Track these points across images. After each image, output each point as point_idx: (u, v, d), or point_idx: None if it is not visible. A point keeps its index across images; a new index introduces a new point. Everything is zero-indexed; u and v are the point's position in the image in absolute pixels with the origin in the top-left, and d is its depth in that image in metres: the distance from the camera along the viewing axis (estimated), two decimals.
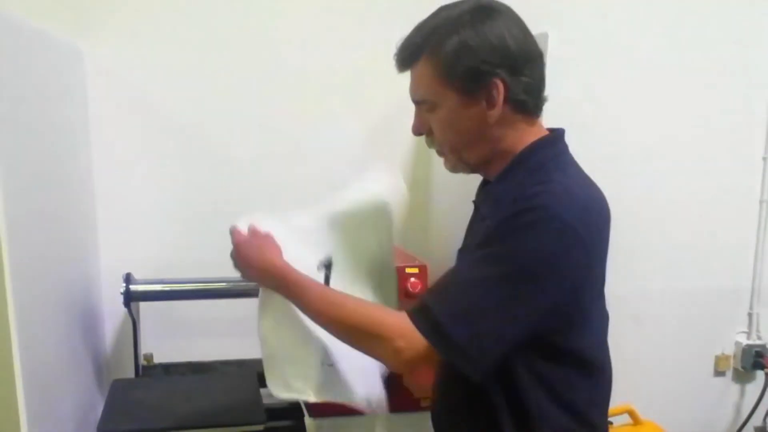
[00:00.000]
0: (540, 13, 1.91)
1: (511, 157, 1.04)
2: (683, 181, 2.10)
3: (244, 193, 1.94)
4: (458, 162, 1.09)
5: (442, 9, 1.03)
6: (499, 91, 0.99)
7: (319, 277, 1.18)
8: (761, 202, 2.17)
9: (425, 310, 0.96)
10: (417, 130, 1.09)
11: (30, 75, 1.28)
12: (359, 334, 1.00)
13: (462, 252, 1.13)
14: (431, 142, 1.09)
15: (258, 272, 1.13)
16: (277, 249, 1.13)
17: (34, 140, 1.28)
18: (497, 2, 1.03)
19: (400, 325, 0.96)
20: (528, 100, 1.01)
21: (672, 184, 2.09)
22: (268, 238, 1.15)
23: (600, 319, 1.08)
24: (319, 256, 1.21)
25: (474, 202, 1.16)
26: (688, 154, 2.09)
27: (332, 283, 1.18)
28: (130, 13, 1.79)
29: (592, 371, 1.06)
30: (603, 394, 1.10)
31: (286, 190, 1.96)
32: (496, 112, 1.00)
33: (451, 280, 0.99)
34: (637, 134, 2.02)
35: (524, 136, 1.04)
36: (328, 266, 1.20)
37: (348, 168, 1.99)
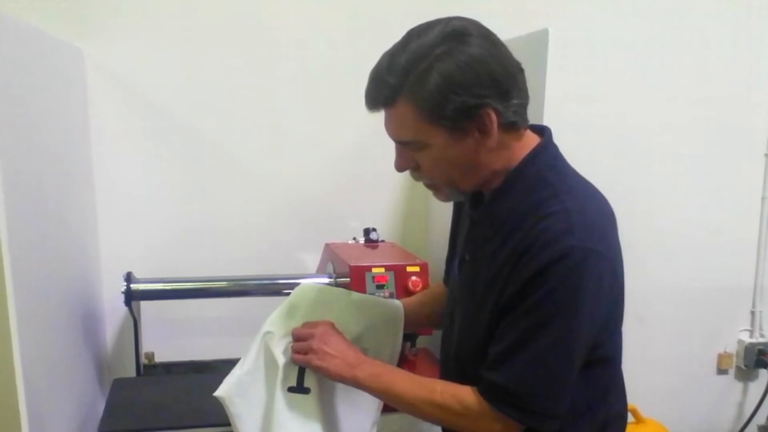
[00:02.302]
0: (540, 9, 1.93)
1: (505, 173, 1.02)
2: (686, 178, 2.10)
3: (245, 192, 1.94)
4: (453, 192, 1.07)
5: (411, 37, 0.96)
6: (492, 120, 0.95)
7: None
8: (763, 199, 2.16)
9: (503, 391, 0.98)
10: (402, 168, 1.05)
11: (30, 74, 1.28)
12: (447, 418, 1.05)
13: (463, 266, 1.12)
14: (419, 177, 1.05)
15: (349, 361, 1.11)
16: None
17: (35, 140, 1.28)
18: (466, 20, 0.97)
19: (483, 410, 1.00)
20: (518, 119, 0.98)
21: (674, 182, 2.09)
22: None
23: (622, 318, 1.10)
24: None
25: (469, 215, 1.12)
26: (691, 152, 2.09)
27: None
28: (131, 12, 1.79)
29: (611, 364, 1.08)
30: (619, 380, 1.13)
31: (287, 189, 1.97)
32: (492, 141, 0.97)
33: (514, 350, 0.97)
34: (638, 132, 2.02)
35: (516, 152, 1.01)
36: None
37: (349, 167, 2.00)
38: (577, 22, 1.94)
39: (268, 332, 1.20)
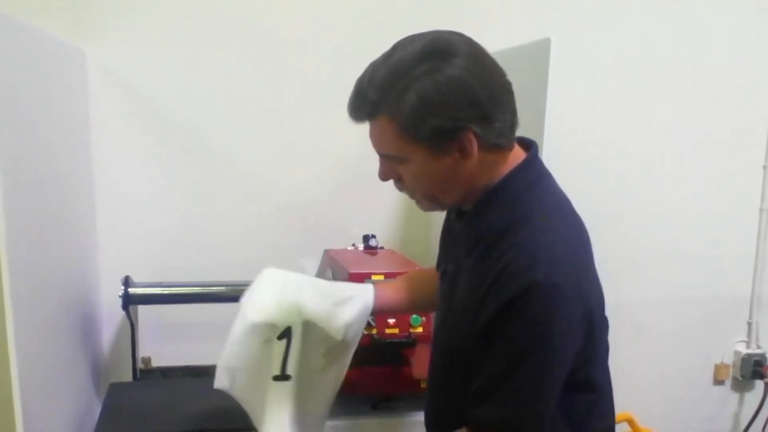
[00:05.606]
0: (542, 19, 1.93)
1: (485, 190, 1.01)
2: (684, 189, 2.10)
3: (245, 195, 1.94)
4: (433, 205, 1.07)
5: (395, 50, 0.94)
6: (472, 143, 0.93)
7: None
8: (761, 210, 2.17)
9: (486, 427, 0.96)
10: (384, 178, 1.04)
11: (32, 75, 1.28)
12: None
13: (446, 276, 1.11)
14: (402, 187, 1.05)
15: None
16: None
17: (35, 141, 1.28)
18: (455, 36, 0.95)
19: None
20: (502, 141, 0.96)
21: (672, 192, 2.10)
22: None
23: (605, 342, 1.08)
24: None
25: (453, 224, 1.12)
26: (689, 162, 2.10)
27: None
28: (132, 13, 1.79)
29: (593, 391, 1.06)
30: (603, 410, 1.10)
31: (287, 192, 1.96)
32: (471, 162, 0.96)
33: (493, 385, 0.96)
34: (638, 142, 2.03)
35: (498, 169, 1.00)
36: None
37: (350, 173, 2.00)
38: (578, 31, 1.95)
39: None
